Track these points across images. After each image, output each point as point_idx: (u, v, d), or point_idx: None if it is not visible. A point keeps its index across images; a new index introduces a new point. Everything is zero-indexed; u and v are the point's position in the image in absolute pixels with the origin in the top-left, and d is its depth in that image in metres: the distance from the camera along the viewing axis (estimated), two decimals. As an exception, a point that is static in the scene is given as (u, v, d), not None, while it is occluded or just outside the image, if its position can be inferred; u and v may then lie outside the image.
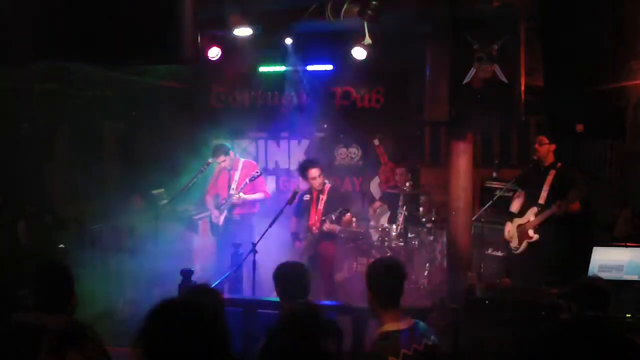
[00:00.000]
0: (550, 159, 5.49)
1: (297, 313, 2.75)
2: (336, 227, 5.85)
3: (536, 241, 5.43)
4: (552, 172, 5.44)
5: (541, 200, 5.43)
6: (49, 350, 2.07)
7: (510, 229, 5.66)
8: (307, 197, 6.08)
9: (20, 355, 2.46)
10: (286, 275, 3.36)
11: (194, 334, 1.73)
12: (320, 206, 5.93)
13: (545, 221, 5.35)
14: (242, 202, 6.33)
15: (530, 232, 5.45)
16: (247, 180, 6.26)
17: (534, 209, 5.46)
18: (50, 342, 2.09)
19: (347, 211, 5.73)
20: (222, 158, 6.36)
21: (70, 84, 6.34)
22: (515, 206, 5.81)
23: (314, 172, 5.93)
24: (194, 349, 1.72)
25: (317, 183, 5.96)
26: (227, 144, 6.62)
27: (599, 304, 3.03)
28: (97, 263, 6.13)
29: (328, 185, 6.06)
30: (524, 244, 5.50)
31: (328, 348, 2.78)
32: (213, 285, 4.65)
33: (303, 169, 6.04)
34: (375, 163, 8.09)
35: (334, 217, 5.69)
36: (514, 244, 5.62)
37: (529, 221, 5.48)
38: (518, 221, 5.60)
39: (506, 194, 6.04)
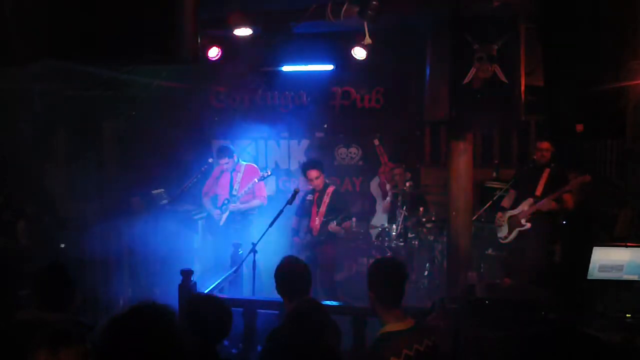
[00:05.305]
0: (548, 158, 5.70)
1: (301, 310, 2.76)
2: (340, 230, 5.88)
3: (527, 230, 5.61)
4: (547, 170, 5.68)
5: (537, 193, 5.64)
6: (44, 347, 2.08)
7: (501, 216, 5.84)
8: (309, 197, 6.09)
9: (22, 354, 2.46)
10: (286, 272, 3.37)
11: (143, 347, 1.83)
12: (323, 208, 5.94)
13: (539, 212, 5.57)
14: (237, 209, 6.37)
15: (523, 221, 5.63)
16: (256, 179, 6.31)
17: (530, 200, 5.65)
18: (45, 339, 2.10)
19: (350, 218, 5.79)
20: (225, 160, 6.39)
21: (70, 84, 6.32)
22: (506, 202, 5.99)
23: (311, 173, 5.98)
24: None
25: (316, 184, 6.00)
26: (232, 146, 6.64)
27: None
28: (97, 263, 6.13)
29: (331, 188, 6.07)
30: (515, 233, 5.68)
31: (331, 343, 2.79)
32: (213, 284, 4.70)
33: (303, 171, 6.10)
34: (375, 163, 8.09)
35: (335, 223, 5.74)
36: (502, 233, 5.81)
37: (522, 211, 5.66)
38: (510, 213, 5.79)
39: (506, 194, 6.12)
